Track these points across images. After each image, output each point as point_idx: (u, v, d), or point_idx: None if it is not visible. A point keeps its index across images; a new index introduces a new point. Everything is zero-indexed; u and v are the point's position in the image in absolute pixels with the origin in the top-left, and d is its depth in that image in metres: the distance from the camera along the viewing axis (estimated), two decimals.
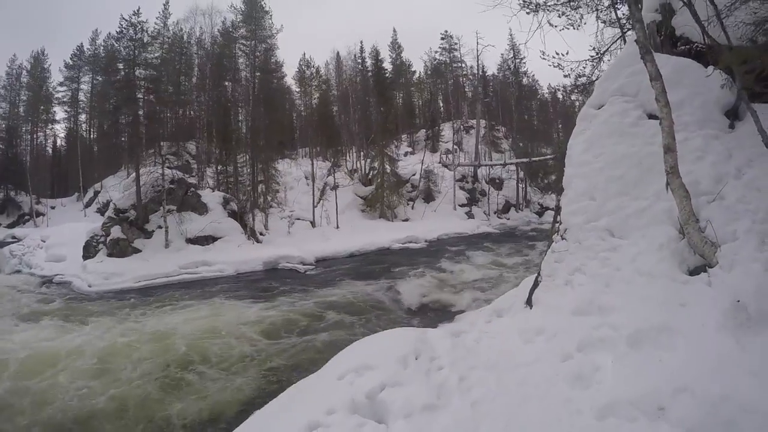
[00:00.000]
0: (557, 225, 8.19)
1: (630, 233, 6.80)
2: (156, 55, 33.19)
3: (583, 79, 16.39)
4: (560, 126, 57.50)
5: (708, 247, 5.74)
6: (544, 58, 15.48)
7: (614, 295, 6.27)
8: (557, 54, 15.44)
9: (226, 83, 36.23)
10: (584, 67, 16.13)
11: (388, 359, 6.73)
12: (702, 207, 6.20)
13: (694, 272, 5.92)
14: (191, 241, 24.24)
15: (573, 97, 63.71)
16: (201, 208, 26.14)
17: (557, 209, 8.56)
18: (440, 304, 15.34)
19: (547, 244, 8.61)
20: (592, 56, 16.25)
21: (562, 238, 7.74)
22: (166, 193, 24.54)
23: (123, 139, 34.36)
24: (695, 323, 5.19)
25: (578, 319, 6.34)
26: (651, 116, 7.73)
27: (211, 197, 27.30)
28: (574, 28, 15.88)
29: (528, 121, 52.02)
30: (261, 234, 28.12)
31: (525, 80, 55.08)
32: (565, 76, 15.77)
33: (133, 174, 25.09)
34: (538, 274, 8.13)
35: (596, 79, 16.33)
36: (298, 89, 51.16)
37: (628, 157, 7.42)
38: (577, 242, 7.36)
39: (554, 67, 15.76)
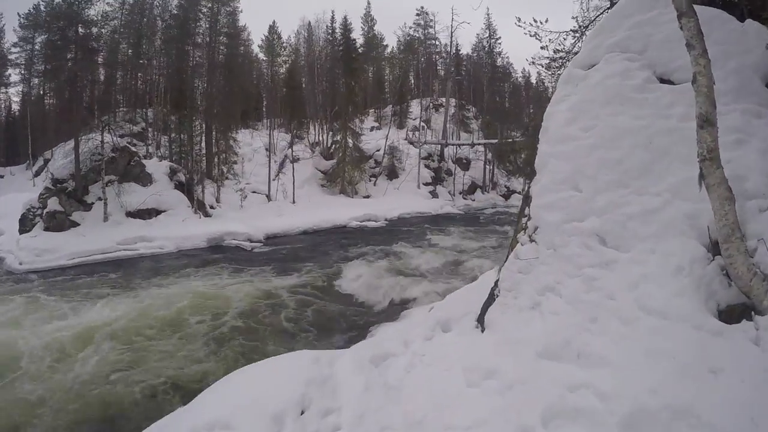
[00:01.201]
0: (524, 220, 5.94)
1: (631, 244, 4.60)
2: (104, 12, 30.20)
3: (561, 54, 14.24)
4: (531, 111, 55.53)
5: (758, 283, 3.59)
6: (519, 25, 13.41)
7: (604, 338, 4.16)
8: (535, 21, 13.39)
9: (188, 47, 33.18)
10: (564, 39, 13.97)
11: (257, 416, 4.44)
12: (750, 217, 4.04)
13: (726, 314, 3.82)
14: (132, 214, 21.62)
15: (546, 83, 62.75)
16: (145, 179, 23.45)
17: (525, 199, 6.30)
18: (386, 298, 13.10)
19: (510, 245, 6.36)
20: (573, 29, 14.08)
21: (531, 240, 5.54)
22: (106, 162, 21.76)
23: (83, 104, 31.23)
24: (740, 411, 3.08)
25: (547, 366, 4.29)
26: (663, 80, 5.49)
27: (157, 167, 24.59)
28: None
29: (499, 103, 49.68)
30: (211, 207, 25.53)
31: (499, 61, 52.80)
32: (542, 47, 13.47)
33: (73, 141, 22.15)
34: (496, 284, 5.92)
35: (575, 54, 14.18)
36: (265, 58, 47.97)
37: (632, 133, 5.14)
38: (551, 248, 5.18)
39: (530, 36, 13.62)
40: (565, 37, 13.80)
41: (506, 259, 6.04)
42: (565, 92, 6.15)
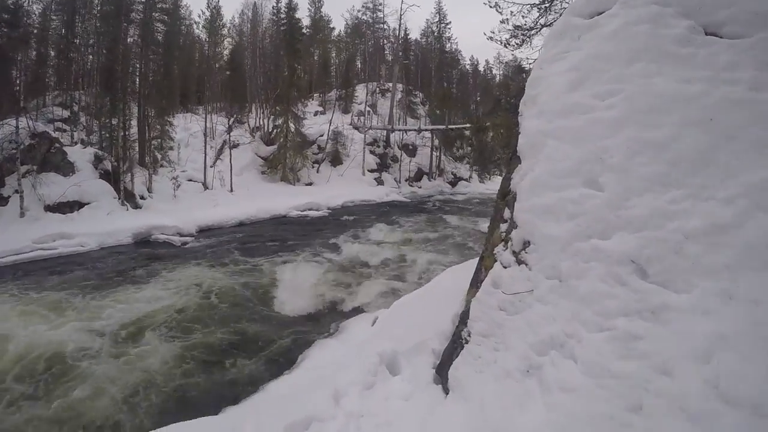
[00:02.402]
0: (504, 228, 4.13)
1: (692, 280, 2.81)
2: None
3: (523, 30, 12.60)
4: (479, 98, 54.42)
5: None
6: None
7: None
8: None
9: (122, 24, 30.24)
10: (528, 12, 12.33)
11: None
12: None
13: None
14: (51, 208, 18.89)
15: (494, 71, 62.20)
16: (66, 168, 20.65)
17: (502, 196, 4.46)
18: (323, 304, 11.12)
19: (481, 263, 4.52)
20: (537, 2, 12.43)
21: (519, 262, 3.72)
22: (23, 150, 19.04)
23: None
24: None
25: None
26: (707, 34, 3.67)
27: (81, 154, 21.76)
28: None
29: (447, 89, 47.96)
30: (142, 198, 22.90)
31: (448, 46, 50.96)
32: (502, 21, 11.82)
33: None
34: (463, 321, 4.14)
35: (538, 30, 12.56)
36: (207, 39, 44.84)
37: (681, 103, 3.33)
38: (555, 278, 3.36)
39: (491, 6, 12.12)
40: (528, 9, 12.21)
41: (477, 283, 4.21)
42: (561, 49, 4.31)
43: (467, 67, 60.06)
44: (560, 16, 12.42)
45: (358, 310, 10.52)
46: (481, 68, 62.26)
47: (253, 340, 9.01)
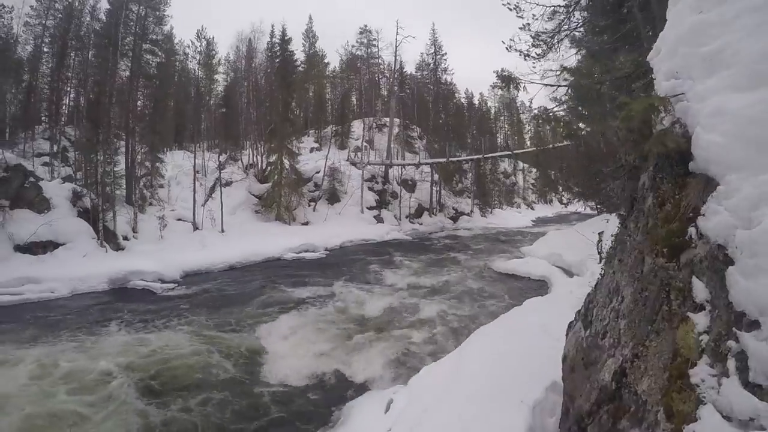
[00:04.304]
0: (699, 326, 1.94)
1: None
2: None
3: (543, 38, 10.80)
4: (475, 131, 52.91)
5: None
6: None
7: None
8: None
9: (111, 57, 28.47)
10: (550, 17, 10.51)
11: None
12: None
13: None
14: (21, 248, 16.98)
15: (489, 103, 61.22)
16: (41, 205, 18.77)
17: (675, 252, 2.32)
18: (321, 375, 8.78)
19: (613, 385, 2.35)
20: (562, 5, 10.70)
21: None
22: None
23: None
24: None
25: None
26: None
27: (57, 190, 19.85)
28: None
29: (444, 121, 46.19)
30: (125, 239, 20.78)
31: (444, 77, 49.29)
32: (521, 28, 9.92)
33: None
34: None
35: (564, 35, 10.75)
36: (203, 76, 42.98)
37: None
38: None
39: (510, 9, 10.30)
40: (553, 12, 10.43)
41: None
42: None
43: (462, 100, 58.87)
44: (584, 19, 10.51)
45: (364, 386, 8.29)
46: (476, 101, 61.35)
47: None
